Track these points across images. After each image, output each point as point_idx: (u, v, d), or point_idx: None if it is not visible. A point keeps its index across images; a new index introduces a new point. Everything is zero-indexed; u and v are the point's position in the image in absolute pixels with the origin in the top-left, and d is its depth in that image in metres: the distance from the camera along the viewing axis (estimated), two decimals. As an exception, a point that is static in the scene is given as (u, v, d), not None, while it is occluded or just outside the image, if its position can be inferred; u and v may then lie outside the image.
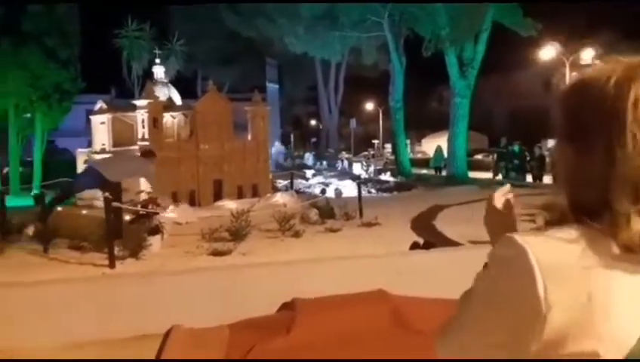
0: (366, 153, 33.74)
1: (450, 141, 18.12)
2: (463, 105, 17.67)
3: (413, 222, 8.66)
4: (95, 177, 6.81)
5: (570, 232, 0.73)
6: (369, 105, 39.12)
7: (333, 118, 37.41)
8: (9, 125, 15.68)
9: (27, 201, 11.42)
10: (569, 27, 21.27)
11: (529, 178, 18.08)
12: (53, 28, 15.13)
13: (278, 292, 4.98)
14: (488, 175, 21.53)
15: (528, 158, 18.35)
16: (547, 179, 16.56)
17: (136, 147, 7.70)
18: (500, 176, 19.29)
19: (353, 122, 38.47)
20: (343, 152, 36.38)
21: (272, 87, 35.00)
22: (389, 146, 34.00)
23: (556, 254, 0.71)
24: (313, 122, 47.80)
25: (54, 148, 24.79)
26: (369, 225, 8.12)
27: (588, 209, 0.73)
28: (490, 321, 0.75)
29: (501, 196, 0.92)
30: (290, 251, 6.35)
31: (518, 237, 0.74)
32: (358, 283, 5.04)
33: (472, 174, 19.47)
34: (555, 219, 0.81)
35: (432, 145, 37.32)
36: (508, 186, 0.94)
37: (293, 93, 39.73)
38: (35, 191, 13.12)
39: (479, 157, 27.46)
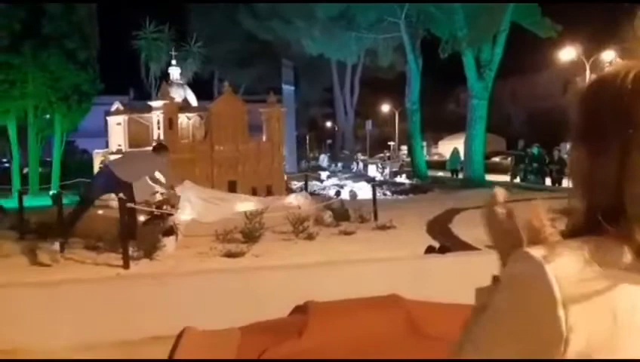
0: (382, 155, 33.61)
1: (467, 143, 17.92)
2: (481, 107, 17.46)
3: (429, 225, 8.56)
4: (109, 178, 6.78)
5: (587, 242, 0.68)
6: (385, 107, 38.99)
7: (349, 119, 37.34)
8: (29, 126, 15.94)
9: (46, 201, 11.58)
10: (590, 28, 20.91)
11: (548, 181, 17.82)
12: (73, 30, 15.35)
13: (291, 295, 4.94)
14: (506, 178, 21.26)
15: (547, 161, 18.09)
16: (567, 183, 16.24)
17: (150, 148, 7.74)
18: (517, 180, 19.04)
19: (369, 124, 38.36)
20: (359, 154, 36.29)
21: (288, 88, 35.04)
22: (404, 148, 33.83)
23: (575, 269, 0.66)
24: (329, 124, 47.81)
25: (74, 148, 25.19)
26: (384, 228, 8.05)
27: (604, 214, 0.69)
28: (505, 345, 0.69)
29: (501, 203, 0.86)
30: (304, 253, 6.31)
31: (534, 252, 0.68)
32: (372, 287, 4.98)
33: (490, 177, 19.24)
34: (570, 227, 0.75)
35: (449, 147, 37.06)
36: (503, 191, 0.88)
37: (309, 94, 39.74)
38: (53, 191, 13.29)
39: (497, 159, 27.18)
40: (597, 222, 0.69)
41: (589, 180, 0.72)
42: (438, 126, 37.24)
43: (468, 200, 12.50)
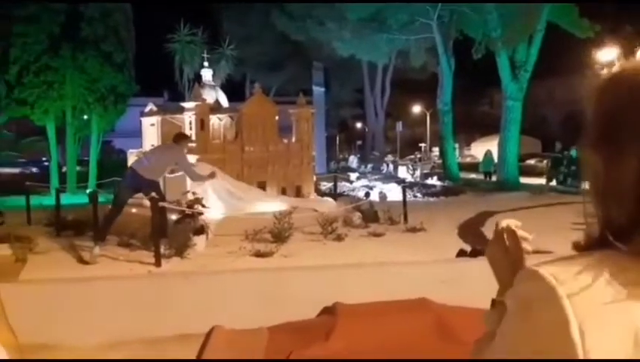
0: (412, 156, 33.30)
1: (500, 145, 17.55)
2: (515, 108, 17.07)
3: (461, 228, 8.41)
4: (135, 178, 6.82)
5: (602, 258, 0.61)
6: (416, 108, 38.63)
7: (380, 120, 37.11)
8: (67, 126, 16.44)
9: (83, 199, 11.90)
10: (629, 28, 20.20)
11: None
12: (110, 33, 15.77)
13: (320, 296, 4.93)
14: (540, 181, 20.72)
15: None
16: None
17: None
18: (554, 183, 18.53)
19: (400, 125, 38.04)
20: (389, 155, 36.01)
21: (318, 90, 35.08)
22: (436, 150, 33.42)
23: (590, 288, 0.59)
24: (358, 125, 47.68)
25: (112, 148, 25.87)
26: (414, 230, 7.95)
27: (620, 228, 0.62)
28: None
29: (511, 228, 0.82)
30: (333, 255, 6.29)
31: (544, 270, 0.61)
32: (401, 291, 4.91)
33: (524, 180, 18.78)
34: (585, 239, 0.68)
35: (482, 149, 36.37)
36: (517, 223, 0.85)
37: (340, 96, 39.69)
38: (89, 190, 13.65)
39: (531, 162, 26.51)
40: (611, 238, 0.63)
41: (604, 190, 0.65)
42: (471, 127, 36.62)
43: (501, 203, 12.25)
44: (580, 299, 0.58)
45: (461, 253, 5.47)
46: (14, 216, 9.75)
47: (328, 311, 2.32)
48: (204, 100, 7.95)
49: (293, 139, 9.26)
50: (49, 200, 11.44)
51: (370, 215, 8.86)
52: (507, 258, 0.81)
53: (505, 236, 0.84)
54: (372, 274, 5.14)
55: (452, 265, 5.28)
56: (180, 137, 7.30)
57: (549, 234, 7.39)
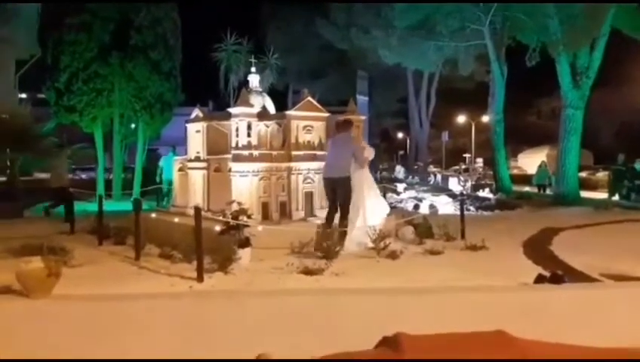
0: (457, 167, 32.24)
1: (560, 157, 16.45)
2: (576, 117, 15.98)
3: (526, 246, 7.66)
4: (329, 183, 7.42)
5: None
6: (460, 118, 37.56)
7: (424, 130, 36.16)
8: (114, 133, 16.57)
9: (127, 206, 11.81)
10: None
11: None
12: (159, 41, 15.82)
13: (378, 323, 4.36)
14: (596, 194, 19.46)
15: (651, 178, 16.28)
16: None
17: (229, 155, 7.50)
18: (616, 197, 17.28)
19: (445, 135, 37.02)
20: (431, 166, 35.01)
21: (362, 99, 34.59)
22: (480, 160, 32.31)
23: None
24: (400, 135, 46.81)
25: (157, 155, 26.20)
26: (474, 248, 7.27)
27: None
28: None
29: None
30: (388, 275, 5.71)
31: None
32: (472, 321, 4.28)
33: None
34: None
35: (529, 160, 35.05)
36: None
37: (382, 105, 39.11)
38: (134, 197, 13.59)
39: (583, 174, 25.12)
40: None
41: None
42: (518, 138, 35.38)
43: (563, 219, 11.35)
44: None
45: (540, 279, 4.78)
46: (59, 223, 9.67)
47: (389, 343, 1.93)
48: (251, 106, 7.58)
49: (342, 148, 8.78)
50: (94, 206, 11.42)
51: (425, 230, 8.23)
52: None
53: None
54: (436, 300, 4.54)
55: (531, 292, 4.60)
56: (347, 124, 7.50)
57: (628, 256, 6.62)
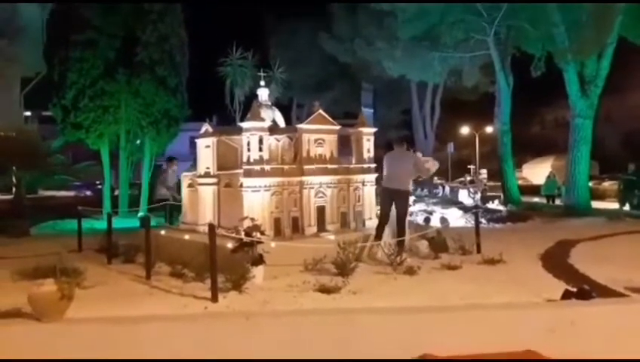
0: (462, 179, 31.97)
1: (569, 167, 16.27)
2: (585, 127, 15.83)
3: (544, 260, 7.48)
4: (387, 195, 7.88)
5: None
6: (464, 130, 37.40)
7: (429, 142, 35.97)
8: (120, 149, 16.49)
9: (134, 223, 11.69)
10: None
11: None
12: (165, 58, 15.79)
13: (402, 344, 4.21)
14: (604, 204, 19.23)
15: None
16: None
17: (240, 171, 7.37)
18: (627, 207, 17.07)
19: (451, 146, 36.82)
20: (435, 177, 34.72)
21: (367, 111, 34.51)
22: (483, 171, 32.11)
23: None
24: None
25: (162, 171, 26.13)
26: (492, 262, 7.10)
27: None
28: None
29: None
30: (407, 292, 5.54)
31: None
32: (499, 340, 4.11)
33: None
34: None
35: (534, 170, 34.77)
36: None
37: (386, 117, 39.01)
38: (141, 214, 13.48)
39: (590, 184, 24.91)
40: None
41: None
42: (522, 149, 35.14)
43: (578, 230, 11.16)
44: None
45: (567, 295, 4.61)
46: (66, 240, 9.56)
47: (417, 366, 1.76)
48: (262, 120, 7.47)
49: (353, 160, 8.64)
50: (101, 224, 11.29)
51: (439, 243, 8.07)
52: None
53: None
54: (462, 319, 4.37)
55: (559, 309, 4.43)
56: (401, 140, 8.64)
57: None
